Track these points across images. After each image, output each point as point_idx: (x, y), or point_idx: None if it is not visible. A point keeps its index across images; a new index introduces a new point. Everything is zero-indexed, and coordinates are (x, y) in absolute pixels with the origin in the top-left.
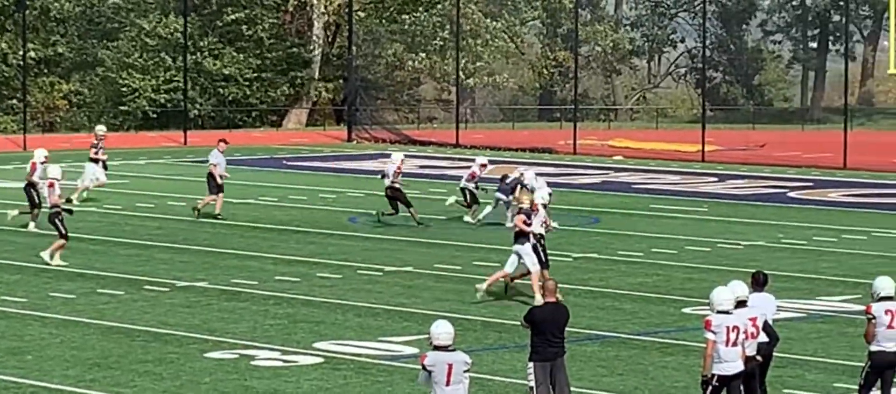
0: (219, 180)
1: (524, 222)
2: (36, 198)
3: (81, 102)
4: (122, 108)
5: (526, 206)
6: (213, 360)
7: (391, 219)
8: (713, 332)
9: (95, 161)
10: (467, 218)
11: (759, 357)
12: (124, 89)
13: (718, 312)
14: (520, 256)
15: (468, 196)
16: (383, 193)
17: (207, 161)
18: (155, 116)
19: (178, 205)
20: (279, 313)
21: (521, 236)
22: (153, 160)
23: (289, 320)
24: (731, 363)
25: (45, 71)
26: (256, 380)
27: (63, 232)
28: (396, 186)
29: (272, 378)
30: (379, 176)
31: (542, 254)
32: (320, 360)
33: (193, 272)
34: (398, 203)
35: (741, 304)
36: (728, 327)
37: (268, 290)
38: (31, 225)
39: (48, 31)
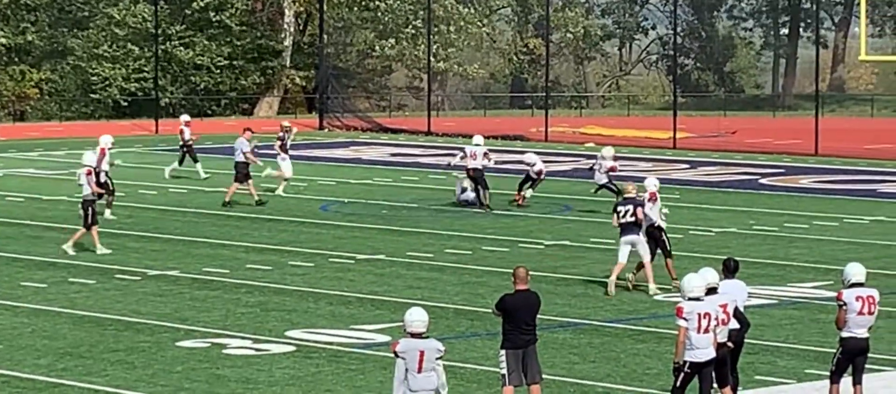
0: (253, 162)
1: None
2: (110, 184)
3: (52, 90)
4: (93, 96)
5: (632, 194)
6: (184, 349)
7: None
8: (685, 319)
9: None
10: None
11: (730, 344)
12: (95, 78)
13: (689, 299)
14: (632, 246)
15: (615, 190)
16: (466, 174)
17: (234, 150)
18: (126, 104)
19: (150, 193)
20: (251, 301)
21: (632, 227)
22: (125, 149)
23: (261, 308)
24: (702, 350)
25: (16, 59)
26: (228, 369)
27: (89, 222)
28: (479, 167)
29: (244, 367)
30: (458, 157)
31: (667, 243)
32: (292, 348)
33: (165, 261)
34: (478, 186)
35: (712, 291)
36: (699, 314)
37: (239, 278)
38: (107, 212)
39: (18, 19)
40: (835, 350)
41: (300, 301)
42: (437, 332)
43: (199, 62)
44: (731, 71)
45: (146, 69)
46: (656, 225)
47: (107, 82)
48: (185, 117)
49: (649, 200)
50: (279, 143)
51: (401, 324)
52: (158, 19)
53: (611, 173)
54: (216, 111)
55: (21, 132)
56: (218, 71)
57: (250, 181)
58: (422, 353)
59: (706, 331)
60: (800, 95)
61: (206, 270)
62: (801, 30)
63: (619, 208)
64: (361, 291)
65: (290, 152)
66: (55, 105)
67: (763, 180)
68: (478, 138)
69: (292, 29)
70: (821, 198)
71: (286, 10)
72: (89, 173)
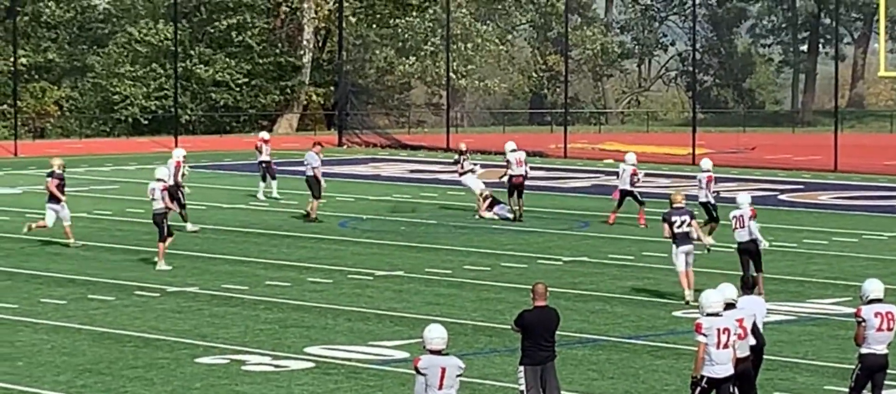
0: (323, 183)
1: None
2: (182, 197)
3: (72, 107)
4: (112, 114)
5: (681, 204)
6: (203, 365)
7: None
8: (704, 334)
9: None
10: (709, 239)
11: (750, 356)
12: (115, 96)
13: (708, 314)
14: (687, 254)
15: (712, 211)
16: (510, 183)
17: (305, 164)
18: (146, 121)
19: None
20: (270, 317)
21: (686, 238)
22: (144, 166)
23: (279, 324)
24: (722, 366)
25: (36, 77)
26: (247, 385)
27: (165, 234)
28: (523, 174)
29: (263, 383)
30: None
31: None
32: (311, 364)
33: (184, 277)
34: (516, 194)
35: (730, 306)
36: (718, 330)
37: (258, 295)
38: (188, 225)
39: (39, 38)
40: (854, 367)
41: (319, 318)
42: (455, 348)
43: (218, 79)
44: (750, 87)
45: (166, 87)
46: (754, 239)
47: (127, 100)
48: (263, 135)
49: (751, 218)
50: (458, 165)
51: (419, 340)
52: (179, 37)
53: (633, 178)
54: (236, 128)
55: (41, 149)
56: (237, 88)
57: (319, 199)
58: (443, 370)
59: (726, 346)
60: (819, 112)
61: (225, 287)
62: (820, 46)
63: (673, 219)
64: (380, 307)
65: (274, 166)
66: (75, 122)
67: (782, 196)
68: (513, 144)
69: (311, 46)
70: (840, 214)
71: (305, 28)
72: (165, 189)
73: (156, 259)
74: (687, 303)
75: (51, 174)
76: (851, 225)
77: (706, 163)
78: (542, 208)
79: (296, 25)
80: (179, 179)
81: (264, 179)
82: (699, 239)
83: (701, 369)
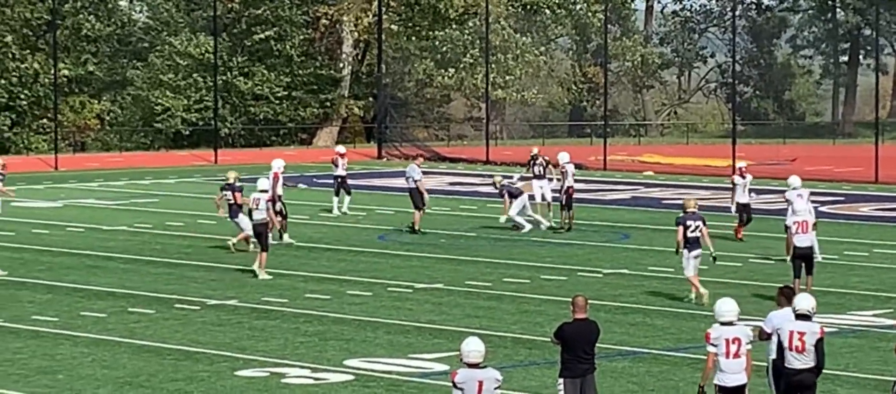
0: (425, 196)
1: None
2: (284, 209)
3: (113, 121)
4: (154, 126)
5: (694, 209)
6: (243, 378)
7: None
8: (713, 344)
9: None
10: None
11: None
12: (156, 108)
13: (722, 323)
14: (696, 258)
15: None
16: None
17: (406, 177)
18: (186, 134)
19: (208, 223)
20: (310, 330)
21: (697, 242)
22: (183, 179)
23: (319, 337)
24: (732, 375)
25: (77, 90)
26: None
27: (266, 244)
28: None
29: None
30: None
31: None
32: (351, 377)
33: (224, 291)
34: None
35: (803, 317)
36: (728, 340)
37: (298, 307)
38: (285, 236)
39: (79, 51)
40: (894, 379)
41: (358, 330)
42: (495, 361)
43: (258, 92)
44: (790, 99)
45: (206, 99)
46: (812, 246)
47: (167, 113)
48: (340, 148)
49: (813, 227)
50: (529, 170)
51: (459, 353)
52: (219, 50)
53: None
54: (275, 141)
55: (81, 163)
56: (277, 101)
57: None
58: (480, 383)
59: (736, 356)
60: (860, 123)
61: (265, 300)
62: (861, 57)
63: (688, 223)
64: (419, 320)
65: (349, 182)
66: (115, 136)
67: (823, 208)
68: (567, 155)
69: (351, 59)
70: (881, 226)
71: (345, 40)
72: (270, 200)
73: (256, 268)
74: (697, 302)
75: (228, 187)
76: (892, 236)
77: (795, 180)
78: (582, 220)
79: (335, 38)
80: (279, 190)
81: (338, 194)
82: (706, 247)
83: (709, 378)
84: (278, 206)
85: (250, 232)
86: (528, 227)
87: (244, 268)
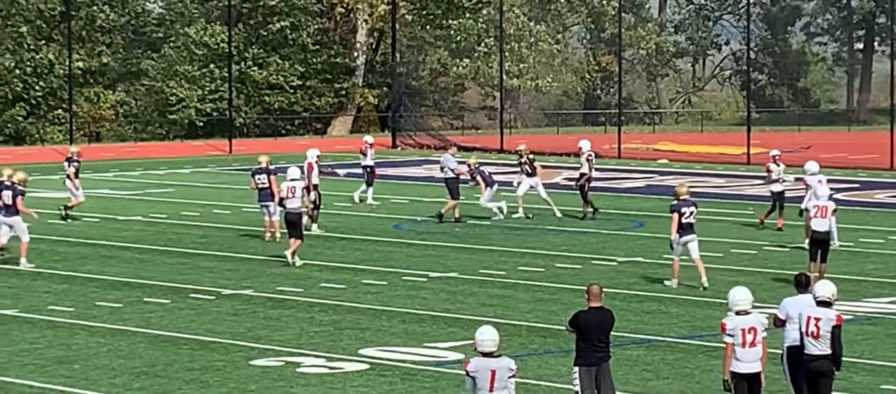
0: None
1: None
2: (317, 199)
3: (127, 112)
4: (169, 116)
5: (687, 196)
6: (259, 367)
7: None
8: (729, 335)
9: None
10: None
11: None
12: (171, 99)
13: (736, 313)
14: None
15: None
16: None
17: (441, 166)
18: (200, 124)
19: (224, 213)
20: (325, 319)
21: (691, 228)
22: (198, 169)
23: (334, 326)
24: (747, 363)
25: (91, 81)
26: (302, 387)
27: (301, 232)
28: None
29: (318, 385)
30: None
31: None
32: (366, 366)
33: (239, 280)
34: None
35: (824, 304)
36: (743, 329)
37: (313, 297)
38: (314, 227)
39: (94, 42)
40: None
41: (374, 319)
42: (510, 349)
43: (273, 82)
44: (805, 86)
45: (221, 89)
46: (830, 231)
47: (182, 103)
48: (368, 138)
49: (833, 212)
50: (521, 166)
51: (473, 342)
52: (234, 40)
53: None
54: (290, 131)
55: (96, 153)
56: (292, 90)
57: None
58: (493, 372)
59: (752, 345)
60: (875, 110)
61: (280, 289)
62: (875, 44)
63: (683, 209)
64: (434, 308)
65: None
66: (130, 126)
67: (838, 195)
68: (589, 144)
69: (365, 48)
70: None
71: (359, 30)
72: (306, 188)
73: (287, 254)
74: (700, 288)
75: (263, 171)
76: None
77: (813, 165)
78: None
79: (350, 27)
80: (314, 179)
81: (370, 184)
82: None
83: (729, 368)
84: (313, 195)
85: (277, 218)
86: (500, 216)
87: (264, 257)
